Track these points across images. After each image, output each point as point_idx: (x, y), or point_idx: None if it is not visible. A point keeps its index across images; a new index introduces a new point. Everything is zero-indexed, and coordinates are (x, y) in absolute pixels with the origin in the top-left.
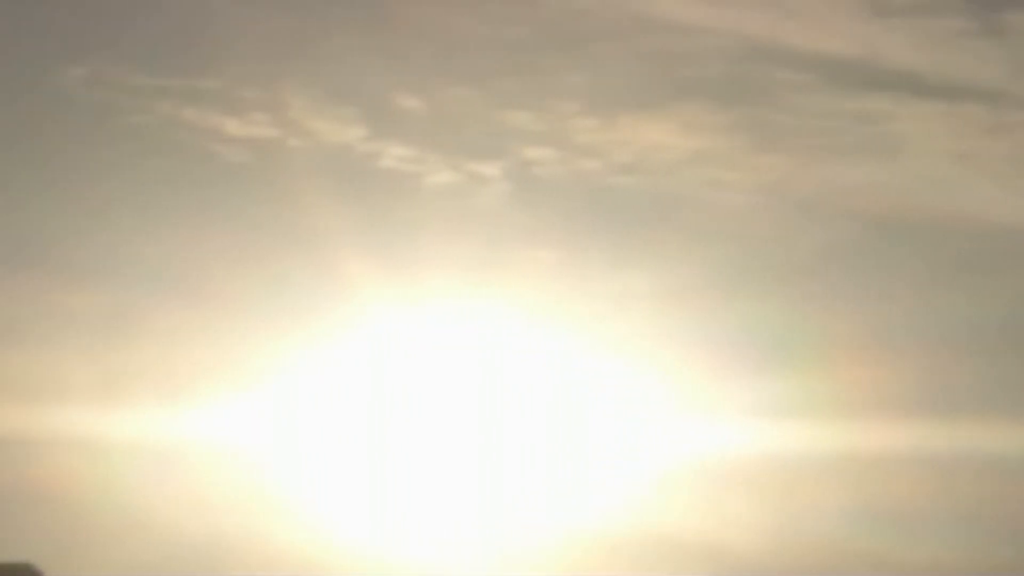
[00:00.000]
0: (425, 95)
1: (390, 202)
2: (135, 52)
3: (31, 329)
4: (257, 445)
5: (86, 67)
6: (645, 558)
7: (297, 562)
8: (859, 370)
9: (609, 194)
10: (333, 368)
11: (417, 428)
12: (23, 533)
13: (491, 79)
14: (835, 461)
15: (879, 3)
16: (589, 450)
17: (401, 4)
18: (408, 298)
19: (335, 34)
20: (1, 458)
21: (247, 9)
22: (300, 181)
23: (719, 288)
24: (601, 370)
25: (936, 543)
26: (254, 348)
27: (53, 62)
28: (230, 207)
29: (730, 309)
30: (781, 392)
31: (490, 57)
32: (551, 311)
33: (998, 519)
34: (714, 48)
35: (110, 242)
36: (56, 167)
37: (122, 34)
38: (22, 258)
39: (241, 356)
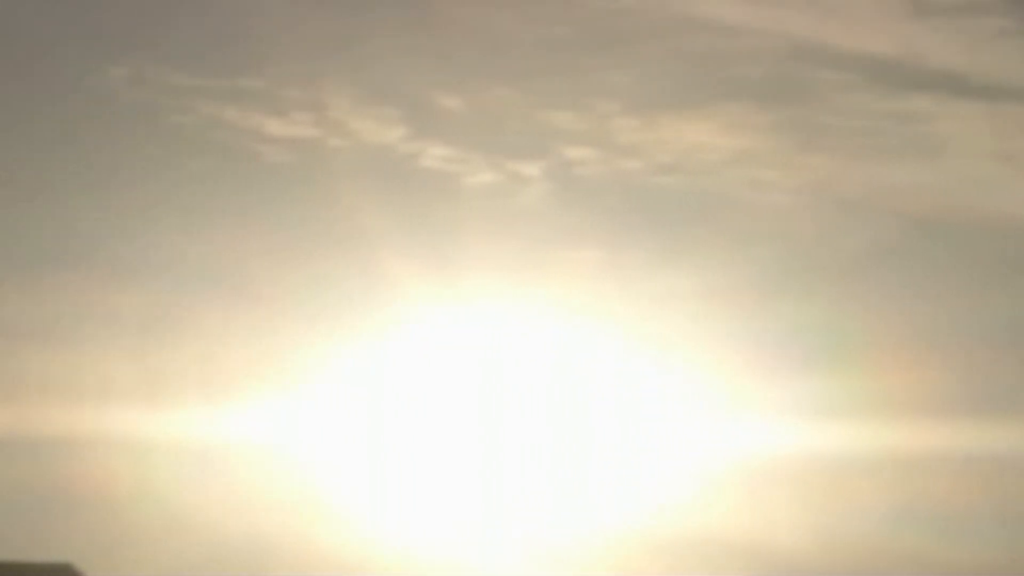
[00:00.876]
0: (466, 95)
1: (431, 202)
2: (177, 52)
3: (74, 329)
4: (299, 445)
5: (128, 67)
6: (688, 558)
7: (338, 563)
8: (902, 370)
9: (651, 194)
10: (374, 368)
11: (458, 428)
12: (64, 533)
13: (532, 79)
14: (878, 461)
15: (921, 3)
16: (632, 450)
17: (443, 4)
18: (449, 298)
19: (376, 34)
20: (42, 458)
21: (289, 9)
22: (341, 181)
23: (762, 288)
24: (644, 370)
25: (979, 543)
26: (296, 348)
27: (95, 62)
28: (272, 207)
29: (773, 309)
30: (824, 392)
31: (532, 57)
32: (593, 311)
33: None
34: (756, 48)
35: (153, 242)
36: (99, 167)
37: (164, 34)
38: (65, 258)
39: (283, 356)
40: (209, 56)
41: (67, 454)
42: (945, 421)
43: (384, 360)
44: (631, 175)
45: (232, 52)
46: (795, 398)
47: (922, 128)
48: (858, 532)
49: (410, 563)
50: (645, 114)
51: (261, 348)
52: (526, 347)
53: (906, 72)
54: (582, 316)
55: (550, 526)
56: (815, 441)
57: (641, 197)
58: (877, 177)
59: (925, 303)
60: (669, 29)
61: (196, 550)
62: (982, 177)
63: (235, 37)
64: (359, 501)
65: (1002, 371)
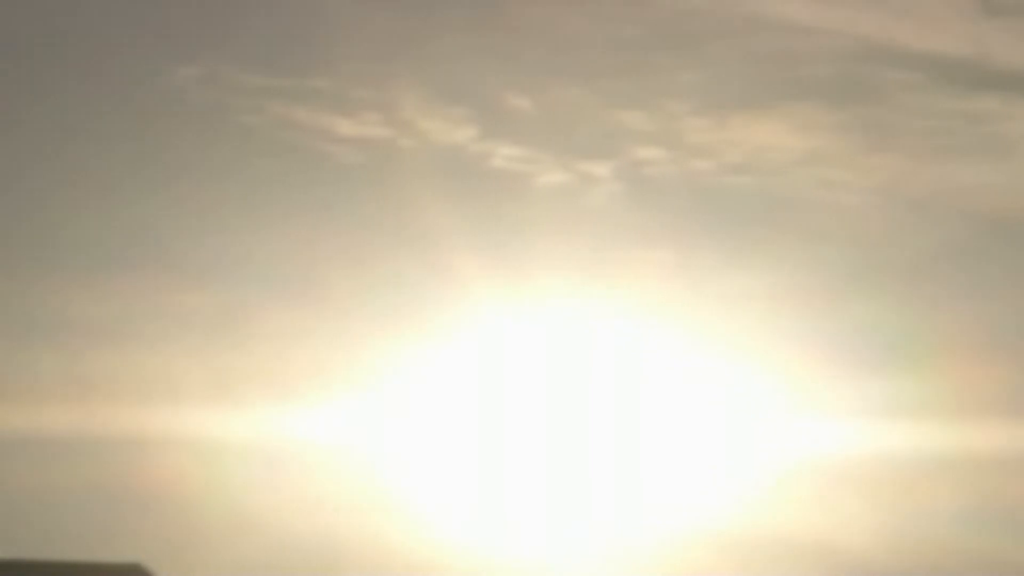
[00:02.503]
0: (536, 95)
1: (501, 202)
2: (248, 52)
3: (143, 329)
4: (368, 445)
5: (199, 67)
6: (758, 558)
7: (409, 562)
8: (972, 369)
9: (721, 194)
10: (445, 367)
11: (529, 427)
12: (133, 533)
13: (603, 79)
14: (948, 461)
15: (990, 3)
16: (703, 450)
17: (513, 4)
18: (519, 298)
19: (447, 34)
20: (112, 458)
21: (359, 9)
22: (411, 181)
23: (832, 288)
24: (714, 370)
25: None
26: (365, 348)
27: (166, 62)
28: (342, 207)
29: (843, 309)
30: (895, 392)
31: (602, 57)
32: (662, 311)
33: None
34: (826, 48)
35: (222, 242)
36: (168, 167)
37: (235, 34)
38: (135, 258)
39: (352, 356)
40: (279, 56)
41: (137, 454)
42: (1015, 421)
43: (453, 360)
44: (701, 175)
45: (302, 52)
46: (865, 398)
47: (991, 128)
48: (927, 532)
49: (479, 563)
50: (715, 114)
51: (331, 348)
52: (596, 347)
53: (975, 72)
54: (651, 316)
55: (620, 526)
56: (885, 441)
57: (711, 197)
58: (946, 177)
59: (995, 302)
60: (739, 29)
61: (264, 550)
62: None
63: (305, 37)
64: (428, 501)
65: None
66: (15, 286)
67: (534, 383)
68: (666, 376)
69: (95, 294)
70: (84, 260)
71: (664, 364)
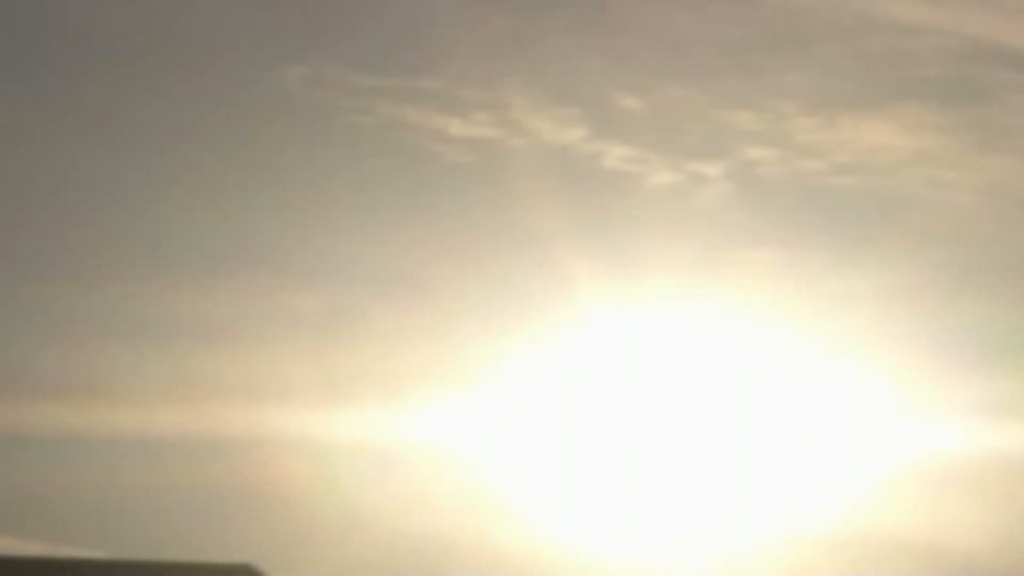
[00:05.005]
0: (646, 95)
1: (611, 202)
2: (356, 52)
3: (253, 329)
4: (476, 445)
5: (307, 67)
6: (869, 558)
7: (515, 564)
8: None
9: (831, 194)
10: (554, 368)
11: (636, 428)
12: (243, 534)
13: (712, 79)
14: None
15: None
16: (813, 450)
17: (623, 4)
18: (629, 298)
19: (556, 34)
20: (222, 458)
21: (469, 9)
22: (521, 181)
23: (942, 288)
24: (823, 370)
25: None
26: (475, 348)
27: (275, 62)
28: (451, 207)
29: (953, 309)
30: (1006, 392)
31: (711, 57)
32: (773, 311)
33: None
34: (936, 48)
35: (332, 242)
36: (277, 167)
37: (343, 34)
38: (244, 258)
39: (462, 356)
40: (389, 56)
41: (247, 454)
42: None
43: (562, 360)
44: (811, 175)
45: (412, 52)
46: (975, 398)
47: None
48: None
49: (586, 564)
50: (824, 114)
51: (439, 348)
52: (704, 347)
53: None
54: (761, 316)
55: (726, 526)
56: (995, 441)
57: (821, 197)
58: None
59: None
60: (848, 29)
61: (374, 550)
62: None
63: (415, 37)
64: (535, 501)
65: None
66: (126, 288)
67: (643, 383)
68: (775, 376)
69: (205, 295)
70: (194, 261)
71: (773, 364)
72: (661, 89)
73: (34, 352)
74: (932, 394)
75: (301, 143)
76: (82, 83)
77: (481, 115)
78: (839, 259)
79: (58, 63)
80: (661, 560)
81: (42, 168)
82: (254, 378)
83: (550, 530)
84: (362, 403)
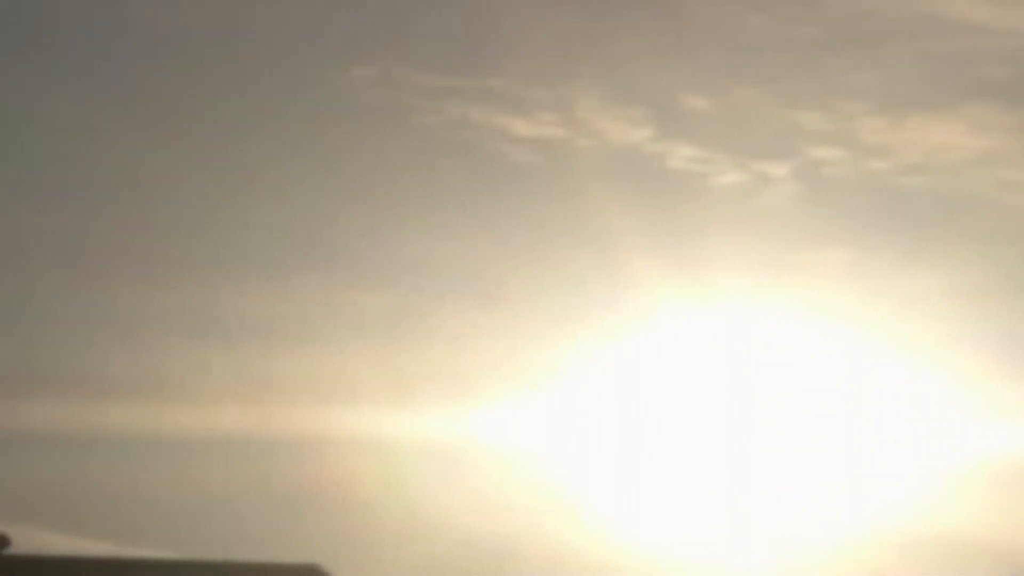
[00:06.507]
0: (713, 95)
1: (678, 202)
2: (423, 52)
3: (320, 329)
4: (544, 446)
5: (374, 67)
6: (934, 558)
7: (583, 564)
8: None
9: (898, 194)
10: (620, 369)
11: (703, 428)
12: (311, 534)
13: (779, 79)
14: None
15: None
16: (878, 450)
17: (689, 4)
18: (696, 299)
19: (623, 34)
20: (290, 459)
21: (535, 9)
22: (587, 181)
23: (1010, 289)
24: (891, 370)
25: None
26: (541, 349)
27: (341, 62)
28: (518, 207)
29: (1021, 309)
30: None
31: (778, 57)
32: (840, 311)
33: None
34: (1004, 48)
35: (398, 242)
36: (344, 167)
37: (410, 34)
38: (311, 259)
39: (528, 357)
40: (455, 56)
41: (314, 454)
42: None
43: (629, 361)
44: (878, 175)
45: (478, 52)
46: None
47: None
48: None
49: (655, 565)
50: (892, 114)
51: (507, 349)
52: (772, 347)
53: None
54: (829, 316)
55: (795, 526)
56: None
57: (888, 197)
58: None
59: None
60: (915, 29)
61: (442, 551)
62: None
63: (481, 37)
64: (604, 502)
65: None
66: (192, 288)
67: (708, 384)
68: (843, 376)
69: (272, 295)
70: (261, 261)
71: (840, 364)
72: (728, 89)
73: (103, 353)
74: (1000, 394)
75: (368, 144)
76: (150, 84)
77: (547, 115)
78: (906, 259)
79: (126, 64)
80: (729, 561)
81: (111, 169)
82: (323, 378)
83: (618, 532)
84: (429, 403)
